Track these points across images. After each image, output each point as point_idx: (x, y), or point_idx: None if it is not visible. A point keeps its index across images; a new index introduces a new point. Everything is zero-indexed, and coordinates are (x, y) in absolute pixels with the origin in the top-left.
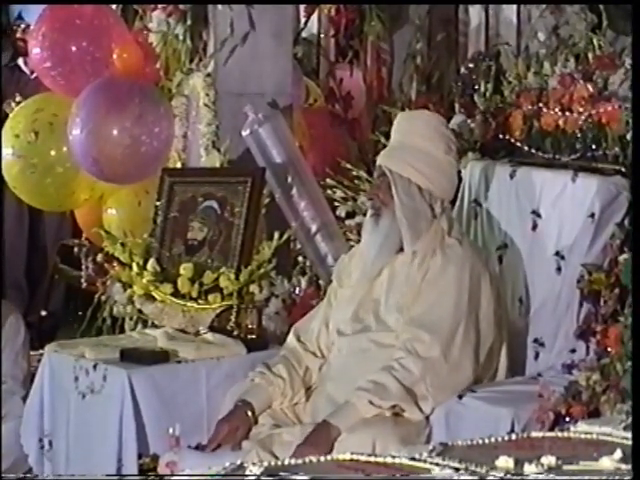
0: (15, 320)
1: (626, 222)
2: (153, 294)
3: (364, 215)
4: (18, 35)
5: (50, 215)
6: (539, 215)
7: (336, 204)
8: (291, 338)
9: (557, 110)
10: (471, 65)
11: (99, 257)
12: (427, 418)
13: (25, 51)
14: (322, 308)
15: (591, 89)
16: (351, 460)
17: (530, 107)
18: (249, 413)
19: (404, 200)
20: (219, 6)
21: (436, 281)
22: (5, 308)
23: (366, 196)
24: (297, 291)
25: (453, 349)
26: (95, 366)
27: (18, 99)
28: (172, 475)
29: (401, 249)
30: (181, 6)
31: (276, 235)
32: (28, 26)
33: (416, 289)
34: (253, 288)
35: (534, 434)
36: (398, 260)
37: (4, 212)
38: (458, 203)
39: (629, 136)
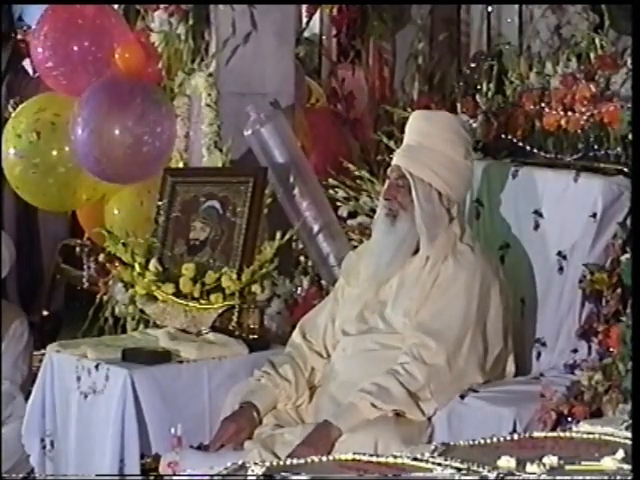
0: (20, 324)
1: (628, 222)
2: (155, 294)
3: (366, 215)
4: (19, 37)
5: (48, 215)
6: (541, 215)
7: (338, 204)
8: (297, 335)
9: (559, 110)
10: (473, 65)
11: (101, 257)
12: (429, 418)
13: (26, 53)
14: (329, 303)
15: (593, 89)
16: (353, 460)
17: (532, 107)
18: (255, 415)
19: (424, 206)
20: (221, 6)
21: (446, 287)
22: (12, 311)
23: (383, 196)
24: (299, 291)
25: (459, 358)
26: (97, 366)
27: (15, 101)
28: (174, 475)
29: (414, 252)
30: (183, 6)
31: (278, 235)
32: (29, 27)
33: (425, 294)
34: (255, 288)
35: (536, 434)
36: (410, 264)
37: (4, 211)
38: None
39: (631, 136)
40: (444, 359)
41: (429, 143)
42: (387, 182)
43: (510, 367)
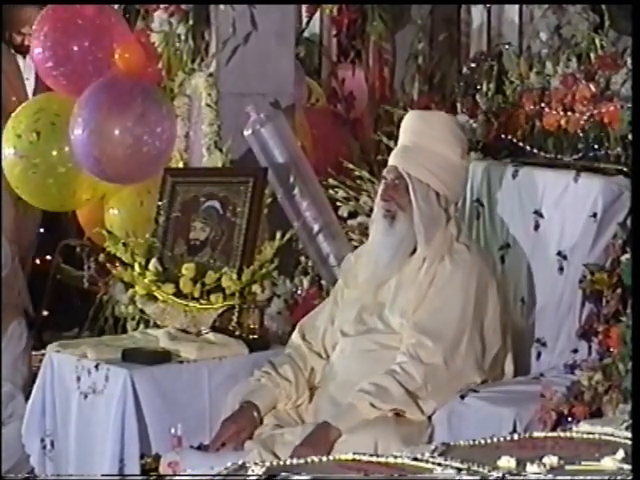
0: (18, 324)
1: (628, 222)
2: (155, 294)
3: (366, 215)
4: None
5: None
6: (541, 215)
7: (338, 204)
8: (296, 336)
9: (559, 110)
10: (473, 65)
11: (101, 257)
12: (429, 418)
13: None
14: (328, 305)
15: (593, 89)
16: (353, 460)
17: (532, 107)
18: (255, 414)
19: (422, 206)
20: (221, 6)
21: (443, 287)
22: (10, 311)
23: (380, 197)
24: (299, 291)
25: (456, 357)
26: (97, 366)
27: None
28: (174, 475)
29: (411, 253)
30: (183, 6)
31: (278, 235)
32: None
33: (422, 294)
34: (255, 288)
35: (536, 434)
36: (408, 265)
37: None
38: (460, 203)
39: (631, 136)
40: (441, 358)
41: (425, 143)
42: (383, 182)
43: (509, 366)
